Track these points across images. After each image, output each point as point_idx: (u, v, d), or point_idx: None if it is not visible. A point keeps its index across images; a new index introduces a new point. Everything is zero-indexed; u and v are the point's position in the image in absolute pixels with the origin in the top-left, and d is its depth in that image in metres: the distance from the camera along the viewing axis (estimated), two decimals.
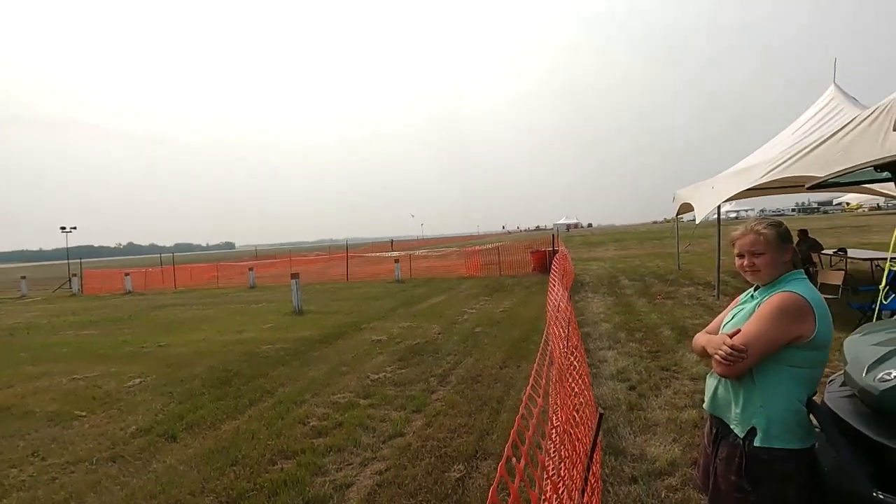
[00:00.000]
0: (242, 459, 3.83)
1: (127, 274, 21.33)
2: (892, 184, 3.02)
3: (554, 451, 2.45)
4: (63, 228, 26.75)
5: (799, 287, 1.64)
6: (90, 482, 3.62)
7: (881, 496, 1.46)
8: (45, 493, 3.50)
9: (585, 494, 1.85)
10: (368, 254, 32.39)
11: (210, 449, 4.05)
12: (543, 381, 4.00)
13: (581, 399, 2.77)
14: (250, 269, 20.70)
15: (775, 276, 1.75)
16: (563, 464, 2.16)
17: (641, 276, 14.10)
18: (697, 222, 11.03)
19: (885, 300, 4.56)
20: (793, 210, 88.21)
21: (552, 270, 6.77)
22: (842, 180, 2.26)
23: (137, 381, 6.24)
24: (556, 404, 3.28)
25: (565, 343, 3.53)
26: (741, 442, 1.67)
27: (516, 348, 6.60)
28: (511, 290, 13.26)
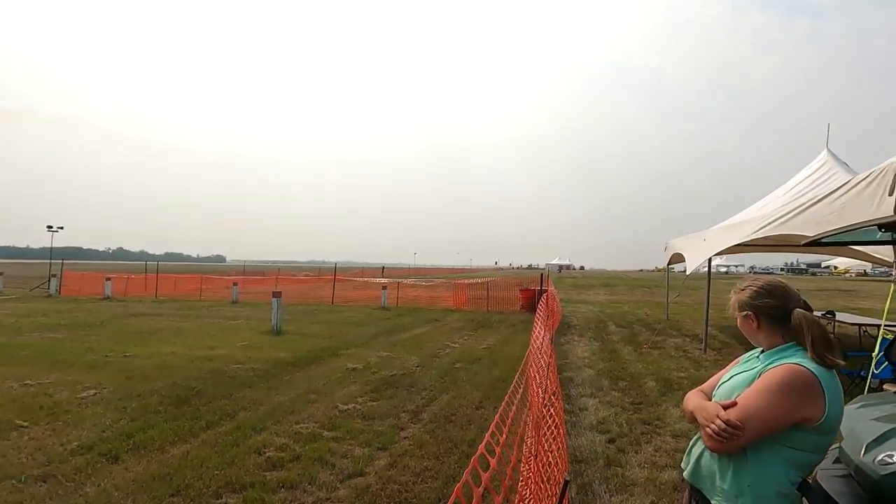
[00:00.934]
0: (185, 489, 3.52)
1: (108, 278, 20.81)
2: (889, 248, 2.90)
3: None
4: (49, 227, 26.32)
5: (805, 360, 1.44)
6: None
7: None
8: None
9: None
10: (357, 278, 32.07)
11: (152, 474, 3.73)
12: (521, 427, 3.77)
13: (552, 454, 2.55)
14: (234, 283, 20.30)
15: (762, 344, 1.59)
16: None
17: (629, 323, 13.93)
18: (688, 273, 10.97)
19: (877, 369, 4.41)
20: (781, 269, 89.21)
21: (538, 311, 6.59)
22: (841, 239, 2.15)
23: (92, 392, 5.88)
24: (531, 454, 3.06)
25: (542, 390, 3.32)
26: None
27: (495, 388, 6.34)
28: (496, 326, 13.02)
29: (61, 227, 26.45)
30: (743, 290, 1.63)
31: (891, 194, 3.80)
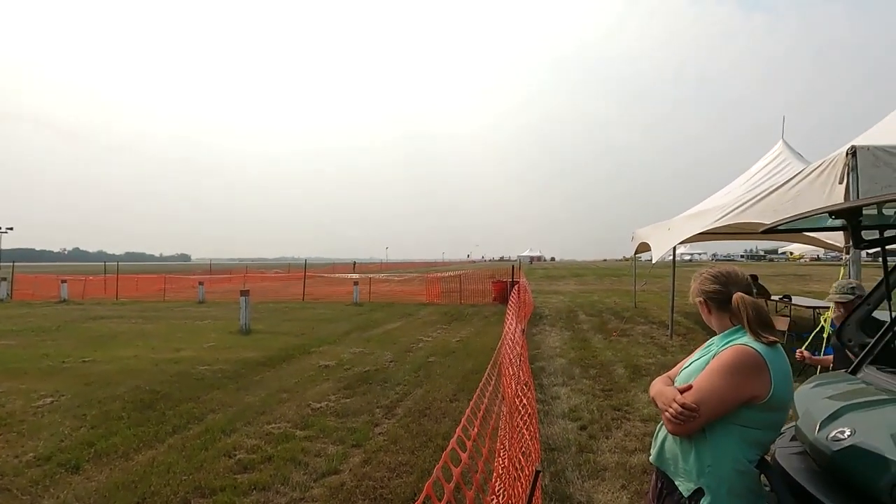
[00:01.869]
0: (151, 496, 3.40)
1: (63, 281, 19.88)
2: (839, 234, 3.02)
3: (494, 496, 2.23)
4: None
5: (752, 340, 1.50)
6: None
7: None
8: None
9: None
10: (328, 274, 31.64)
11: (116, 483, 3.59)
12: (493, 418, 3.80)
13: (525, 444, 2.58)
14: (200, 283, 19.72)
15: (717, 328, 1.67)
16: None
17: (599, 312, 14.23)
18: (654, 262, 11.27)
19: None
20: (741, 256, 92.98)
21: (510, 302, 6.65)
22: (795, 226, 2.24)
23: (49, 400, 5.61)
24: (503, 446, 3.09)
25: (515, 381, 3.35)
26: (687, 502, 1.52)
27: (469, 381, 6.37)
28: (469, 319, 13.08)
29: (10, 228, 25.14)
30: (697, 278, 1.73)
31: (840, 183, 3.99)
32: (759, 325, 1.53)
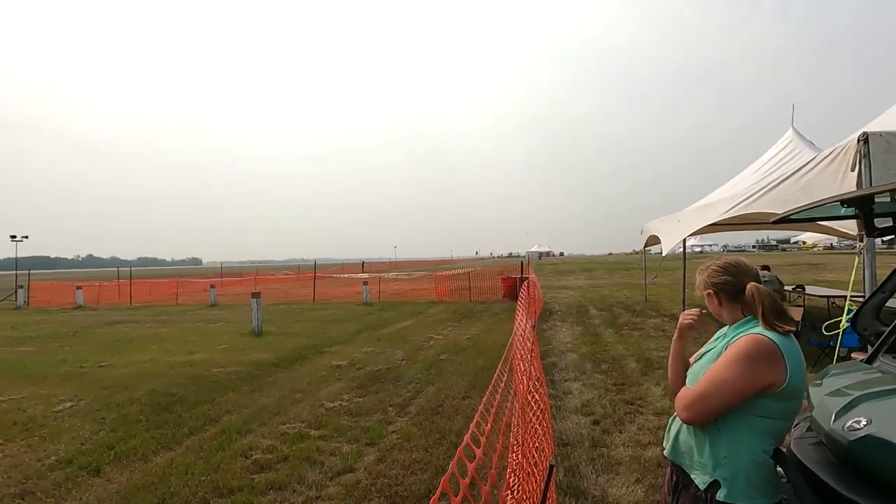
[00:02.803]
0: (171, 497, 3.46)
1: (78, 287, 20.19)
2: (853, 222, 2.99)
3: (509, 493, 2.25)
4: (13, 237, 25.36)
5: (766, 330, 1.50)
6: None
7: None
8: None
9: None
10: (338, 275, 31.81)
11: (136, 485, 3.66)
12: (506, 415, 3.81)
13: (539, 440, 2.59)
14: (212, 286, 19.93)
15: (726, 319, 1.66)
16: None
17: (609, 306, 14.17)
18: (664, 255, 11.20)
19: (845, 339, 4.59)
20: (753, 246, 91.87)
21: (519, 299, 6.65)
22: (807, 215, 2.22)
23: (68, 404, 5.72)
24: (517, 441, 3.10)
25: (527, 377, 3.36)
26: (703, 495, 1.52)
27: (480, 378, 6.38)
28: (479, 316, 13.09)
29: (26, 237, 25.51)
30: (705, 270, 1.72)
31: (853, 170, 3.93)
32: (775, 314, 1.52)
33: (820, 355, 6.19)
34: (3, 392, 6.31)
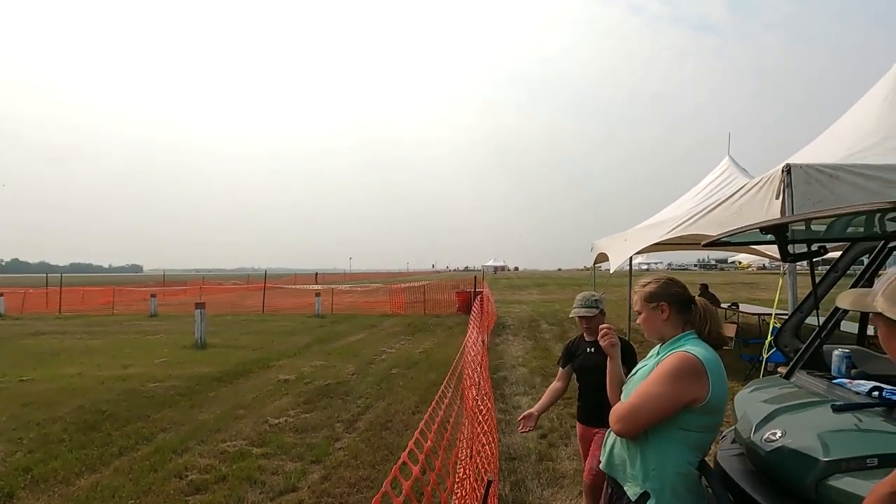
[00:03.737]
0: None
1: (0, 294, 18.59)
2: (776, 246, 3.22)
3: None
4: None
5: (695, 347, 1.59)
6: None
7: None
8: None
9: None
10: (290, 286, 30.94)
11: None
12: (449, 430, 3.81)
13: (485, 455, 2.61)
14: (153, 295, 18.87)
15: (665, 335, 1.71)
16: None
17: (560, 321, 14.51)
18: (612, 272, 11.62)
19: (771, 354, 4.92)
20: (695, 265, 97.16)
21: (472, 313, 6.71)
22: (733, 240, 2.39)
23: None
24: (466, 456, 3.10)
25: (476, 391, 3.39)
26: None
27: (432, 392, 6.35)
28: (433, 330, 13.07)
29: None
30: (649, 283, 1.75)
31: (777, 198, 4.26)
32: (718, 326, 1.69)
33: (750, 370, 6.59)
34: None
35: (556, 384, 3.06)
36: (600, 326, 1.97)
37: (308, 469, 4.07)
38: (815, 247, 2.29)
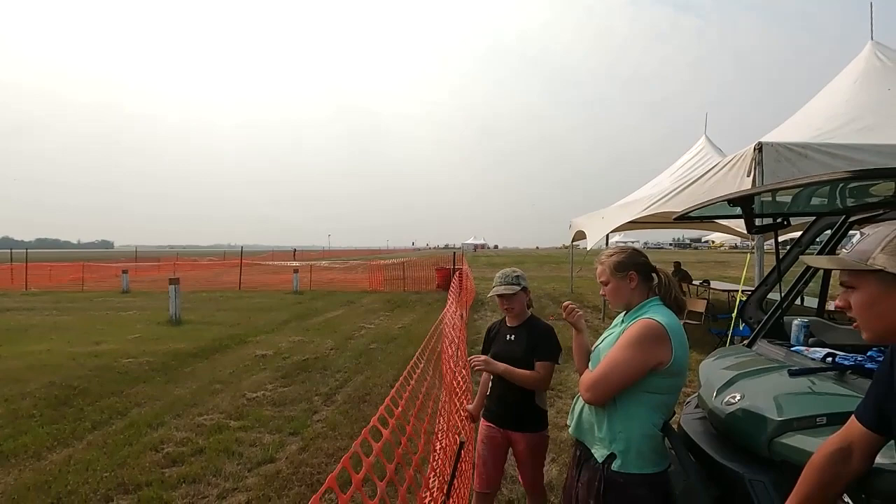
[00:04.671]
0: (67, 496, 3.20)
1: None
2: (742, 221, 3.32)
3: (432, 477, 2.31)
4: None
5: (658, 314, 1.66)
6: None
7: None
8: None
9: None
10: (267, 262, 30.55)
11: (26, 484, 3.35)
12: (432, 402, 3.88)
13: (459, 423, 2.67)
14: (124, 271, 18.42)
15: (632, 303, 1.78)
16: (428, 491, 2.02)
17: (537, 298, 14.74)
18: (588, 249, 11.81)
19: (739, 327, 5.12)
20: (670, 244, 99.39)
21: (451, 289, 6.76)
22: (700, 213, 2.45)
23: None
24: (444, 425, 3.17)
25: (453, 363, 3.44)
26: (601, 466, 1.65)
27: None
28: (413, 306, 13.14)
29: None
30: (614, 254, 1.83)
31: (748, 176, 4.37)
32: (678, 293, 1.77)
33: (718, 343, 6.84)
34: None
35: (485, 375, 2.64)
36: (564, 304, 1.96)
37: (286, 441, 4.10)
38: (779, 220, 2.37)
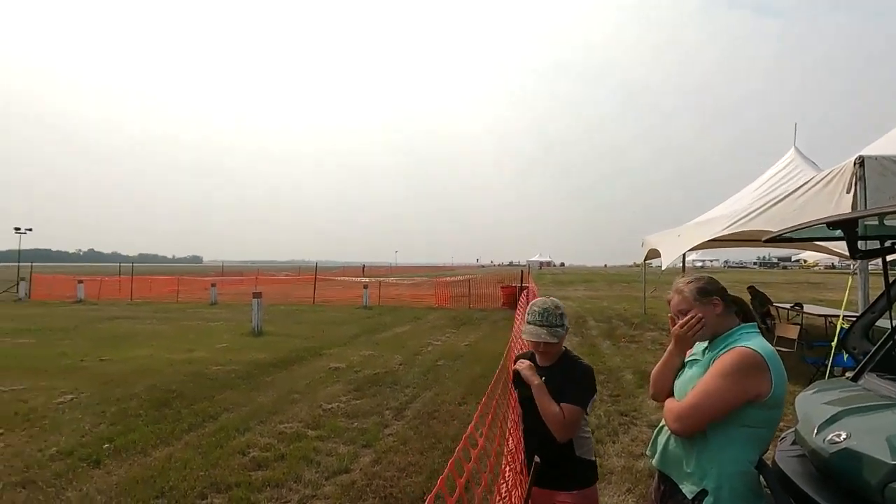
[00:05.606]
0: (169, 491, 3.52)
1: (80, 281, 20.28)
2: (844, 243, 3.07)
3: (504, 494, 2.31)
4: (17, 229, 25.47)
5: (753, 342, 1.56)
6: None
7: None
8: None
9: None
10: (338, 277, 31.85)
11: (135, 478, 3.72)
12: (497, 421, 3.87)
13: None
14: (213, 284, 19.99)
15: (718, 330, 1.66)
16: None
17: (608, 318, 14.21)
18: (664, 268, 11.26)
19: (841, 357, 4.65)
20: (754, 263, 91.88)
21: (518, 307, 6.72)
22: (796, 235, 2.30)
23: (69, 397, 5.78)
24: (514, 446, 3.16)
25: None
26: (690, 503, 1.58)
27: (477, 384, 6.43)
28: (478, 323, 13.14)
29: (30, 229, 25.62)
30: (692, 281, 1.72)
31: (848, 192, 4.02)
32: (758, 320, 1.73)
33: (815, 374, 6.24)
34: (3, 383, 6.38)
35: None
36: (692, 313, 1.66)
37: (360, 452, 4.25)
38: (888, 243, 2.17)
